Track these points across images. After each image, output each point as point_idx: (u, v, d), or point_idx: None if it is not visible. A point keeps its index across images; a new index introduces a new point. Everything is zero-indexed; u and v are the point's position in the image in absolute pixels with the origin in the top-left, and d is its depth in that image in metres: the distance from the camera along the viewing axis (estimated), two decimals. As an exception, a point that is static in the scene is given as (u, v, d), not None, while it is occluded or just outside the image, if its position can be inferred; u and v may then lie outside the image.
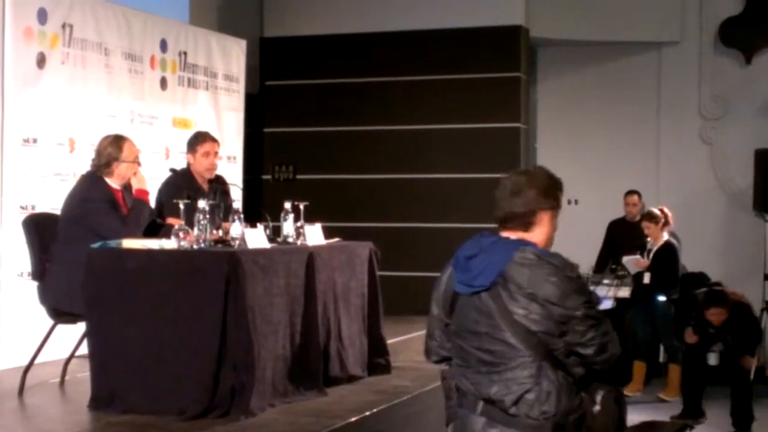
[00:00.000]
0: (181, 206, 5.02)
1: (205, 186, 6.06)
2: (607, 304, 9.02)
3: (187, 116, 8.09)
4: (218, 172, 6.28)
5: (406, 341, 7.28)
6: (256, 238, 5.08)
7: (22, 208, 6.35)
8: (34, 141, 6.52)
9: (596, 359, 3.11)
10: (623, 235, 9.61)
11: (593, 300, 3.14)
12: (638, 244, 9.08)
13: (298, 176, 10.27)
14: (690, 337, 8.25)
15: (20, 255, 5.91)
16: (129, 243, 4.98)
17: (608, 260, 9.56)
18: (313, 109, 10.22)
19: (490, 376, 3.12)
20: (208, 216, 4.94)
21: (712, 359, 8.16)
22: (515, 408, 3.08)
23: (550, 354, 3.08)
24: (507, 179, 3.23)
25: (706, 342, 8.18)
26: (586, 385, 3.16)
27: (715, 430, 7.88)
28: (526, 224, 3.18)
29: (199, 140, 6.08)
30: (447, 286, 3.27)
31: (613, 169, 10.53)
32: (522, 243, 3.14)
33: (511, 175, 3.25)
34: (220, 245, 5.05)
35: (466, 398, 3.22)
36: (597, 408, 3.12)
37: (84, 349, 5.19)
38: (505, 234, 3.20)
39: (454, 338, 3.27)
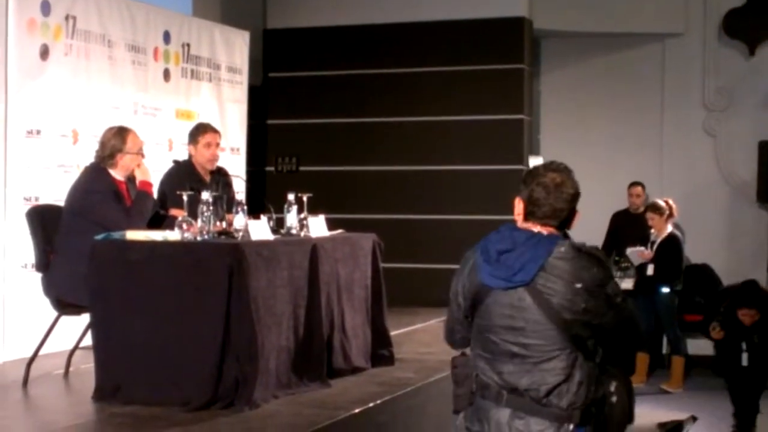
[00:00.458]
0: (185, 198, 5.02)
1: (207, 177, 6.06)
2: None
3: (191, 108, 8.09)
4: (220, 163, 6.28)
5: (410, 333, 7.29)
6: (260, 229, 5.08)
7: (26, 199, 6.35)
8: (38, 132, 6.52)
9: (626, 338, 3.26)
10: (627, 227, 9.61)
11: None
12: (642, 236, 9.07)
13: (302, 168, 10.27)
14: (717, 333, 7.76)
15: (24, 246, 5.91)
16: (133, 234, 4.98)
17: (612, 252, 9.55)
18: (316, 100, 10.22)
19: (524, 366, 3.15)
20: (211, 207, 4.95)
21: (743, 359, 7.65)
22: (547, 398, 3.13)
23: (584, 346, 3.16)
24: (542, 176, 3.20)
25: (734, 339, 7.70)
26: (599, 372, 3.24)
27: (719, 421, 7.88)
28: (565, 222, 3.22)
29: (200, 131, 6.09)
30: (470, 280, 3.24)
31: (616, 161, 10.52)
32: (557, 237, 3.18)
33: (545, 171, 3.23)
34: (223, 237, 5.05)
35: (489, 390, 3.21)
36: (614, 398, 3.21)
37: (88, 340, 5.21)
38: (536, 228, 3.20)
39: (481, 332, 3.24)
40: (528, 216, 3.21)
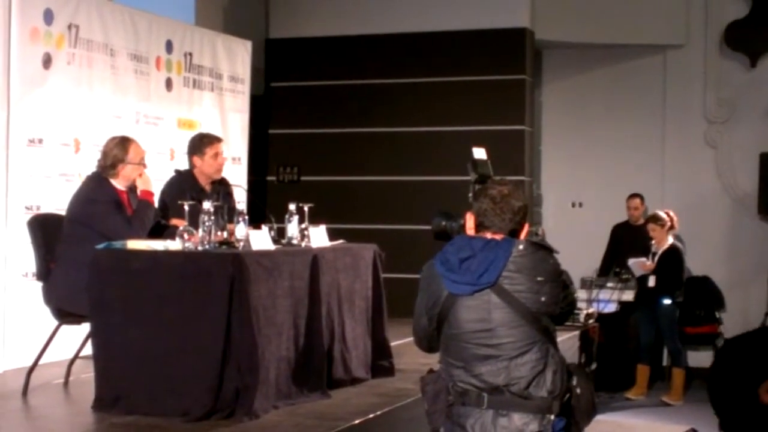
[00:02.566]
0: (186, 207, 5.02)
1: (208, 187, 6.06)
2: (611, 308, 9.02)
3: (193, 117, 8.09)
4: (222, 173, 6.28)
5: (410, 344, 7.24)
6: (261, 239, 5.08)
7: (27, 208, 6.35)
8: (40, 141, 6.53)
9: (569, 316, 3.58)
10: (627, 239, 9.62)
11: None
12: (642, 247, 9.07)
13: (303, 178, 10.27)
14: None
15: (25, 255, 5.91)
16: (134, 244, 4.99)
17: (613, 264, 9.56)
18: (318, 110, 10.23)
19: (500, 364, 3.27)
20: (212, 217, 4.95)
21: None
22: (527, 390, 3.26)
23: (552, 337, 3.36)
24: (490, 189, 3.40)
25: None
26: None
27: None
28: (513, 234, 3.38)
29: (205, 142, 6.08)
30: (433, 293, 3.38)
31: (617, 172, 10.53)
32: (512, 239, 3.35)
33: (493, 185, 3.43)
34: (224, 247, 5.05)
35: (468, 396, 3.31)
36: (578, 390, 3.38)
37: (88, 349, 5.20)
38: (489, 236, 3.37)
39: (451, 341, 3.35)
40: (478, 228, 3.40)
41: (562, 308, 3.40)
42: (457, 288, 3.30)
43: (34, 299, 5.62)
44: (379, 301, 5.93)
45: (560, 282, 3.37)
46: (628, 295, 9.10)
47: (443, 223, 3.79)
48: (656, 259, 8.92)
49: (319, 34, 10.20)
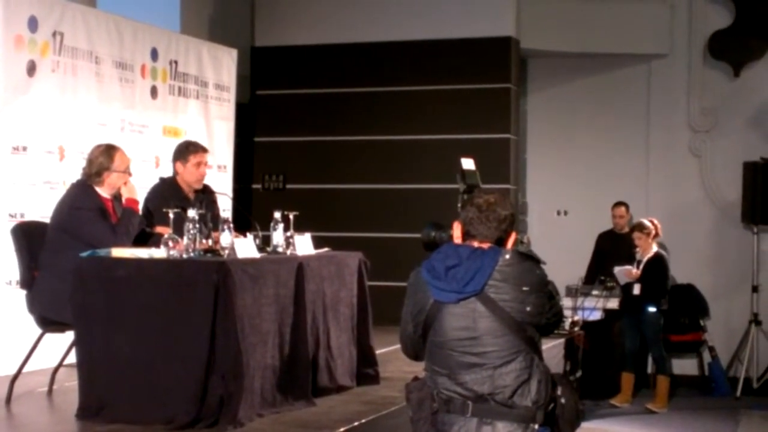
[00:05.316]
0: (171, 215, 5.02)
1: (192, 195, 6.05)
2: (596, 316, 9.04)
3: (178, 125, 8.08)
4: (207, 181, 6.27)
5: (395, 351, 7.25)
6: (246, 247, 5.08)
7: (11, 216, 6.33)
8: (24, 149, 6.51)
9: (555, 329, 3.55)
10: (612, 247, 9.66)
11: None
12: (627, 255, 9.10)
13: (288, 186, 10.27)
14: None
15: (9, 263, 5.89)
16: (118, 252, 4.97)
17: (598, 272, 9.58)
18: (303, 118, 10.24)
19: (485, 373, 3.27)
20: (197, 225, 4.94)
21: None
22: (512, 400, 3.26)
23: (537, 347, 3.35)
24: (477, 198, 3.41)
25: None
26: None
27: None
28: (500, 242, 3.40)
29: (190, 150, 6.07)
30: (419, 300, 3.39)
31: (602, 181, 10.57)
32: (498, 249, 3.36)
33: (479, 194, 3.44)
34: (209, 255, 5.04)
35: (453, 404, 3.32)
36: (563, 400, 3.39)
37: (72, 358, 5.18)
38: (476, 244, 3.38)
39: (437, 349, 3.36)
40: (465, 236, 3.41)
41: (548, 319, 3.40)
42: (443, 295, 3.30)
43: (18, 307, 5.60)
44: (365, 309, 5.93)
45: (546, 292, 3.37)
46: (613, 303, 9.12)
47: (432, 233, 3.80)
48: (641, 267, 8.95)
49: (304, 43, 10.21)
